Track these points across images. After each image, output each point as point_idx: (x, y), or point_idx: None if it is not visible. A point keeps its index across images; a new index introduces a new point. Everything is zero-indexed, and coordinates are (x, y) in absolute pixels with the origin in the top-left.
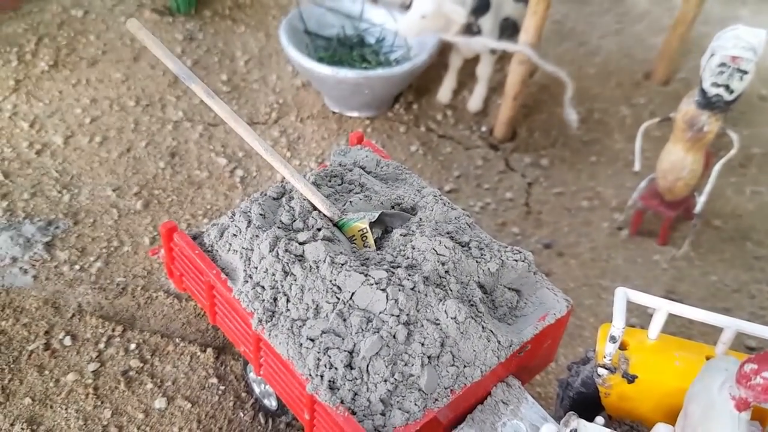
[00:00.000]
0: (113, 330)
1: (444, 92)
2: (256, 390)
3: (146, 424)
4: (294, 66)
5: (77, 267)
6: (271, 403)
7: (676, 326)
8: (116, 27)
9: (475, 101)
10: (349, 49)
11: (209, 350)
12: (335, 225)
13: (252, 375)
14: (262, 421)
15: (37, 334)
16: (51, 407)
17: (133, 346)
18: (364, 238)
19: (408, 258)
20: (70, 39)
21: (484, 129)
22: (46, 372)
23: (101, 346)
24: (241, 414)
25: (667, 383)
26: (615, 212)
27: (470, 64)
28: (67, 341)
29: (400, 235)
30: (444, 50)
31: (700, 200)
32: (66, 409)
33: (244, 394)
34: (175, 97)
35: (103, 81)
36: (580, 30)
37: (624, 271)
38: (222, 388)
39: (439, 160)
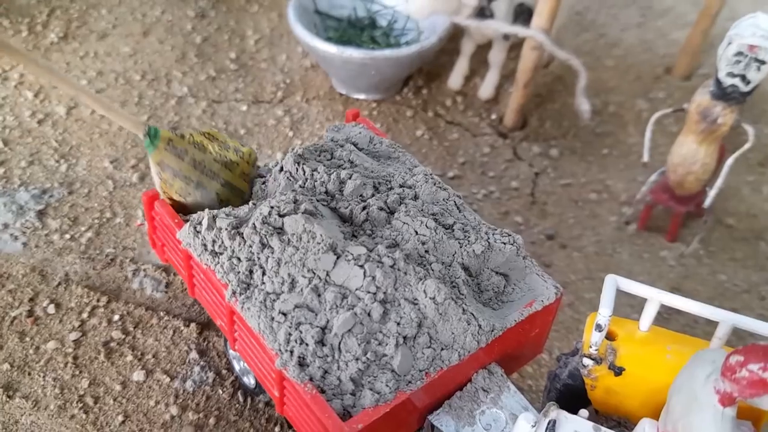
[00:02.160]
0: (98, 300)
1: (455, 78)
2: (236, 367)
3: (123, 396)
4: (302, 45)
5: (68, 236)
6: (250, 381)
7: (680, 325)
8: (129, 2)
9: (486, 88)
10: (359, 30)
11: (192, 325)
12: (146, 133)
13: (232, 352)
14: (241, 399)
15: (22, 300)
16: (29, 374)
17: (116, 317)
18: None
19: (388, 237)
20: (81, 12)
21: (494, 117)
22: (27, 339)
23: (84, 315)
24: (220, 391)
25: (657, 378)
26: (624, 206)
27: (483, 50)
28: (51, 309)
29: (378, 208)
30: (456, 35)
31: (710, 194)
32: (44, 376)
33: (224, 371)
34: (181, 72)
35: (110, 54)
36: (601, 22)
37: (628, 266)
38: (203, 363)
39: (445, 146)
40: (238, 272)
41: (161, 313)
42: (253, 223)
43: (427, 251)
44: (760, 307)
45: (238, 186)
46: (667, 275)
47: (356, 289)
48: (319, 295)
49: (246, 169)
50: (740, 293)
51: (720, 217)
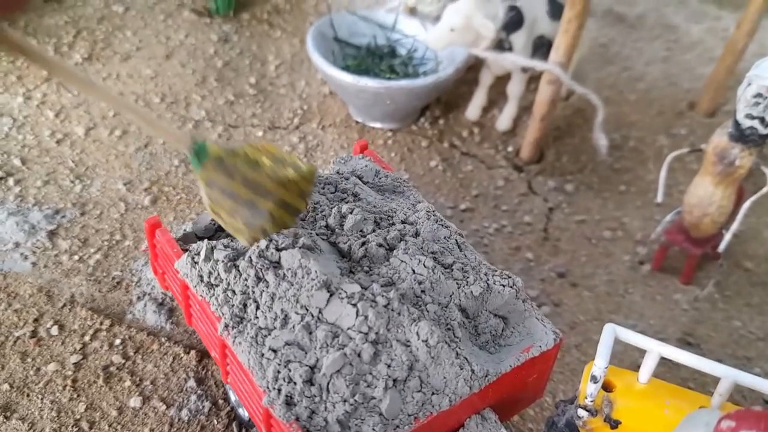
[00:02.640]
0: (101, 323)
1: (473, 109)
2: (232, 398)
3: (118, 422)
4: (319, 73)
5: (76, 257)
6: (245, 413)
7: (689, 372)
8: (154, 25)
9: (504, 120)
10: (378, 59)
11: (192, 353)
12: (192, 149)
13: None
14: (236, 431)
15: (27, 321)
16: (28, 396)
17: (118, 341)
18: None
19: (385, 275)
20: (107, 34)
21: (510, 149)
22: (29, 360)
23: (87, 338)
24: (215, 421)
25: None
26: (639, 245)
27: (502, 81)
28: (54, 331)
29: (377, 245)
30: (476, 66)
31: (725, 238)
32: (42, 399)
33: (221, 401)
34: (200, 96)
35: (132, 76)
36: (626, 55)
37: (640, 308)
38: (200, 392)
39: (459, 177)
40: (232, 305)
41: (162, 339)
42: (249, 257)
43: (423, 291)
44: None
45: (294, 204)
46: (680, 319)
47: (348, 328)
48: (310, 333)
49: (305, 187)
50: (755, 341)
51: (738, 260)
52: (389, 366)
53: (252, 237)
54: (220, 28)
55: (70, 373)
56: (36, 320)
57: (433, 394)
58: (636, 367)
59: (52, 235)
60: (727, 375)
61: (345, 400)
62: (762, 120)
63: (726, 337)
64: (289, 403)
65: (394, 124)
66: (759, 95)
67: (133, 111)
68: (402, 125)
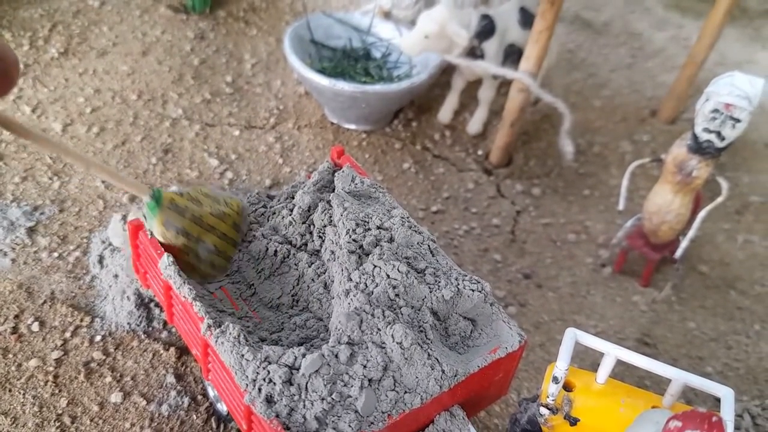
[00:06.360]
0: (81, 320)
1: (444, 112)
2: (211, 393)
3: (100, 417)
4: (296, 74)
5: (56, 254)
6: (224, 408)
7: (645, 371)
8: (130, 20)
9: (474, 124)
10: (354, 61)
11: (172, 349)
12: (153, 198)
13: None
14: (214, 425)
15: (7, 317)
16: (9, 391)
17: (98, 338)
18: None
19: (360, 281)
20: (83, 28)
21: (480, 152)
22: (10, 355)
23: (67, 335)
24: (194, 416)
25: (610, 430)
26: (601, 248)
27: (474, 86)
28: (35, 327)
29: (349, 252)
30: (448, 70)
31: (682, 245)
32: (24, 394)
33: (200, 397)
34: (177, 94)
35: (109, 72)
36: (592, 61)
37: (601, 309)
38: (179, 388)
39: (431, 180)
40: (215, 306)
41: (142, 336)
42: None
43: (397, 295)
44: (726, 356)
45: (232, 236)
46: (638, 320)
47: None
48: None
49: (237, 219)
50: (707, 341)
51: (694, 264)
52: (365, 366)
53: (201, 275)
54: (196, 25)
55: (51, 368)
56: (17, 317)
57: (405, 392)
58: (596, 366)
59: (31, 231)
60: (677, 377)
61: (323, 399)
62: (718, 134)
63: (681, 337)
64: (269, 401)
65: (368, 126)
66: (716, 111)
67: (99, 168)
68: (376, 127)
